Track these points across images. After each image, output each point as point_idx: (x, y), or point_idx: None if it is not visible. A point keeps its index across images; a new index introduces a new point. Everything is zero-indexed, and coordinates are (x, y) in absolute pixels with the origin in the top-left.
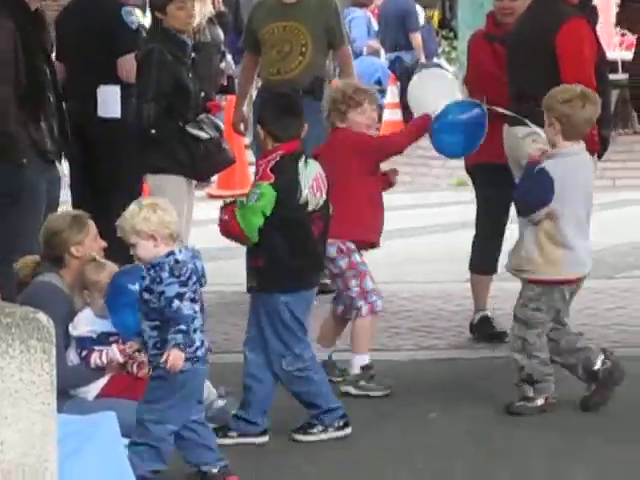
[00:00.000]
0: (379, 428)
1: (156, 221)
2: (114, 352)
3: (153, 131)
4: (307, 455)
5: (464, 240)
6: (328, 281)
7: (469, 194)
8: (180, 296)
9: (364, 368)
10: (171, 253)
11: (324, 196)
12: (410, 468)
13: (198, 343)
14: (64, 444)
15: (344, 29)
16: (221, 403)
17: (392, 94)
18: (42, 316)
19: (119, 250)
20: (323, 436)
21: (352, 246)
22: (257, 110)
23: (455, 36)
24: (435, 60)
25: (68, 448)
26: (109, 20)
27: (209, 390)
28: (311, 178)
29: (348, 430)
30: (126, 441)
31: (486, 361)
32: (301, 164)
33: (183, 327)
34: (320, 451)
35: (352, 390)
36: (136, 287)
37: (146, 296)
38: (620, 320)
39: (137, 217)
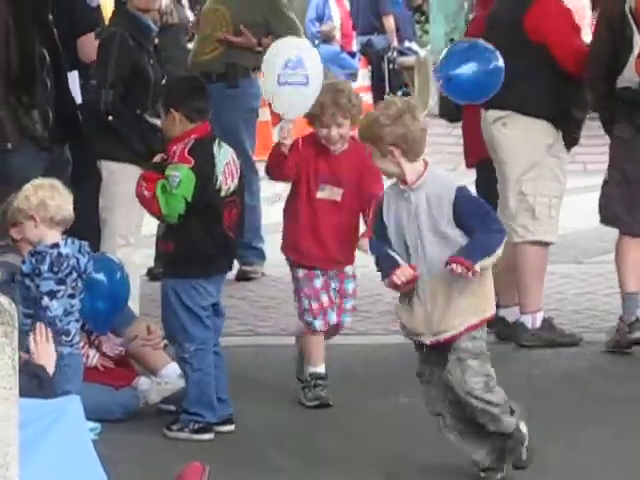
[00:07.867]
0: (350, 411)
1: (36, 202)
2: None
3: (110, 118)
4: (274, 442)
5: None
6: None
7: None
8: (52, 294)
9: None
10: (56, 245)
11: (236, 182)
12: (383, 451)
13: (74, 332)
14: (27, 429)
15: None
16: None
17: (363, 78)
18: (4, 299)
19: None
20: (181, 435)
21: None
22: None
23: (427, 20)
24: (406, 44)
25: (31, 433)
26: None
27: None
28: (223, 163)
29: (206, 436)
30: (91, 425)
31: None
32: (215, 148)
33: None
34: (285, 439)
35: None
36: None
37: (27, 282)
38: (590, 305)
39: (21, 196)
